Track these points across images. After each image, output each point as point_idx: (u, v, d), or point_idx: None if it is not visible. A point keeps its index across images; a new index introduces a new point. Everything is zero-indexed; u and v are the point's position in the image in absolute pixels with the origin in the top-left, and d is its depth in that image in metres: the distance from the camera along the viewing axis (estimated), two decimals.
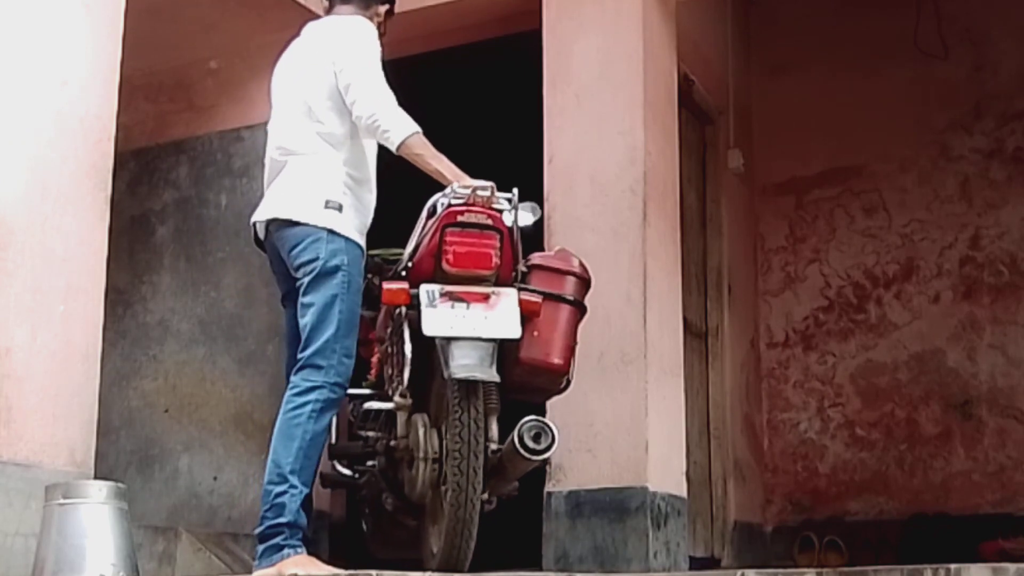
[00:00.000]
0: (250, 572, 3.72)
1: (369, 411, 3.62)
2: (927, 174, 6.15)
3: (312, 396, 3.31)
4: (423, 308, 3.16)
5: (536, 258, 3.48)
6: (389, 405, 3.43)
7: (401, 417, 3.40)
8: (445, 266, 3.25)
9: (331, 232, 3.40)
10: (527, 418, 3.16)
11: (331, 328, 3.33)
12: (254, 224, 3.59)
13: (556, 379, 3.43)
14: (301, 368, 3.35)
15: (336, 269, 3.37)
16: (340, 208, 3.42)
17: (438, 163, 3.38)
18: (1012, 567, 3.12)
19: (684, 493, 4.46)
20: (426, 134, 3.39)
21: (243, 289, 5.02)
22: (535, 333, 3.30)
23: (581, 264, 3.54)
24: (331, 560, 3.65)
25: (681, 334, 4.68)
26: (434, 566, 3.21)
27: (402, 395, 3.33)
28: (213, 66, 5.24)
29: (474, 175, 3.57)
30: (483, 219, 3.28)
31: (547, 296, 3.36)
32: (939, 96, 6.12)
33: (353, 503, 4.55)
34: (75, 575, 2.75)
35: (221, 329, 5.04)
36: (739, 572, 3.38)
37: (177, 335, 5.13)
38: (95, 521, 2.84)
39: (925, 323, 6.06)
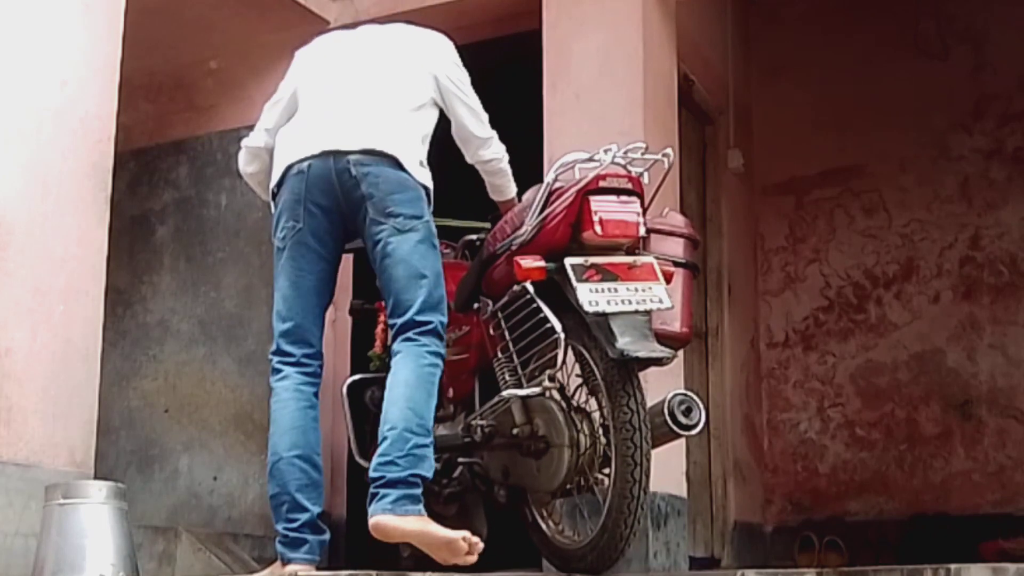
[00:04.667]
0: (250, 572, 3.71)
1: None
2: (927, 174, 6.14)
3: (439, 362, 3.12)
4: (576, 283, 2.91)
5: (649, 221, 3.23)
6: (535, 390, 3.12)
7: (517, 403, 3.18)
8: (589, 236, 3.00)
9: (428, 193, 3.22)
10: (675, 391, 3.03)
11: (444, 296, 3.19)
12: (322, 152, 3.13)
13: (679, 347, 3.27)
14: (430, 332, 3.11)
15: (435, 237, 3.22)
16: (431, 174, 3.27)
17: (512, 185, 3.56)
18: (1012, 567, 3.11)
19: (684, 493, 4.45)
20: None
21: (243, 289, 5.02)
22: None
23: (689, 224, 3.41)
24: (329, 564, 3.65)
25: None
26: (590, 556, 3.04)
27: (551, 379, 3.08)
28: (213, 66, 5.25)
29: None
30: (624, 183, 3.04)
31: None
32: (939, 96, 6.11)
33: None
34: (75, 575, 2.75)
35: (221, 329, 5.04)
36: (739, 572, 3.36)
37: (177, 335, 5.14)
38: (95, 521, 2.84)
39: (925, 323, 6.05)
